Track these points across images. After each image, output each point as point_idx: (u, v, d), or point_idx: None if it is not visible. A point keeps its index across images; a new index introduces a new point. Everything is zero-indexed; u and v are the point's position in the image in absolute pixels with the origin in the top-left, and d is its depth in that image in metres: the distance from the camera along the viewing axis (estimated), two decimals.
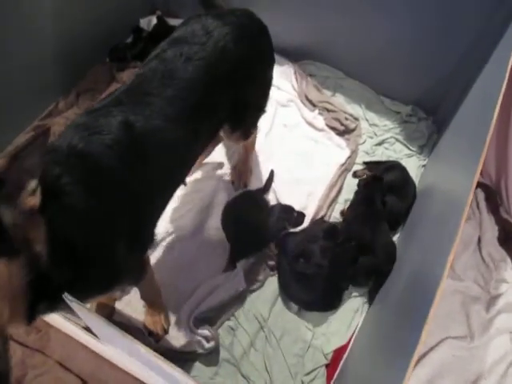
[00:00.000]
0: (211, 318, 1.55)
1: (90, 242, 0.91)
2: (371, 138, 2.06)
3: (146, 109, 1.03)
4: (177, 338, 1.47)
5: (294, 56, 2.21)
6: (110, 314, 1.55)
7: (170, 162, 1.11)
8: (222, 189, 1.81)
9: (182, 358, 1.48)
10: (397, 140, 2.04)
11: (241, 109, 1.33)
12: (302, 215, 1.72)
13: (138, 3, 2.30)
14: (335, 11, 1.90)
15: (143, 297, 1.46)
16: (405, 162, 1.94)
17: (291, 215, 1.69)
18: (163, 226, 1.70)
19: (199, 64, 1.12)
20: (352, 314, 1.60)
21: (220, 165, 1.90)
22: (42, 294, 0.84)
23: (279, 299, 1.62)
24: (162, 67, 1.10)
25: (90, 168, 0.93)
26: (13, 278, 0.72)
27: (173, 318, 1.53)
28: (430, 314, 0.81)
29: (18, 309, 0.78)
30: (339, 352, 1.54)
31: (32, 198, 0.73)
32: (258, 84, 1.35)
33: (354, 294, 1.64)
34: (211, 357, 1.49)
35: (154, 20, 2.26)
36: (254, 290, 1.63)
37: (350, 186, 1.89)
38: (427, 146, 2.03)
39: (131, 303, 1.55)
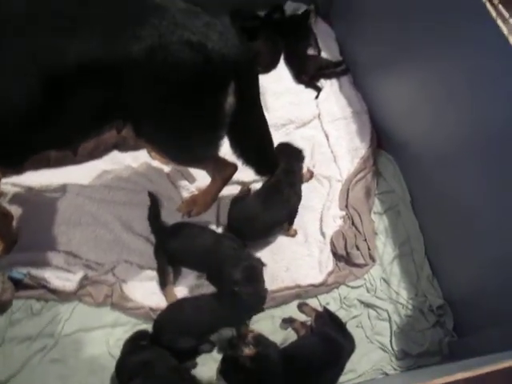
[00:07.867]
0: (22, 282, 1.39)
1: None
2: (368, 291, 1.49)
3: None
4: None
5: (385, 137, 1.72)
6: None
7: None
8: (165, 196, 1.56)
9: None
10: (389, 320, 1.44)
11: (141, 118, 1.11)
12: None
13: None
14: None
15: None
16: (367, 350, 1.39)
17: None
18: (75, 177, 1.57)
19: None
20: None
21: (193, 179, 1.62)
22: None
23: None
24: None
25: None
26: None
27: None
28: None
29: None
30: None
31: None
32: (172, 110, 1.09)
33: None
34: None
35: (302, 9, 2.00)
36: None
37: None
38: (411, 358, 1.39)
39: None
